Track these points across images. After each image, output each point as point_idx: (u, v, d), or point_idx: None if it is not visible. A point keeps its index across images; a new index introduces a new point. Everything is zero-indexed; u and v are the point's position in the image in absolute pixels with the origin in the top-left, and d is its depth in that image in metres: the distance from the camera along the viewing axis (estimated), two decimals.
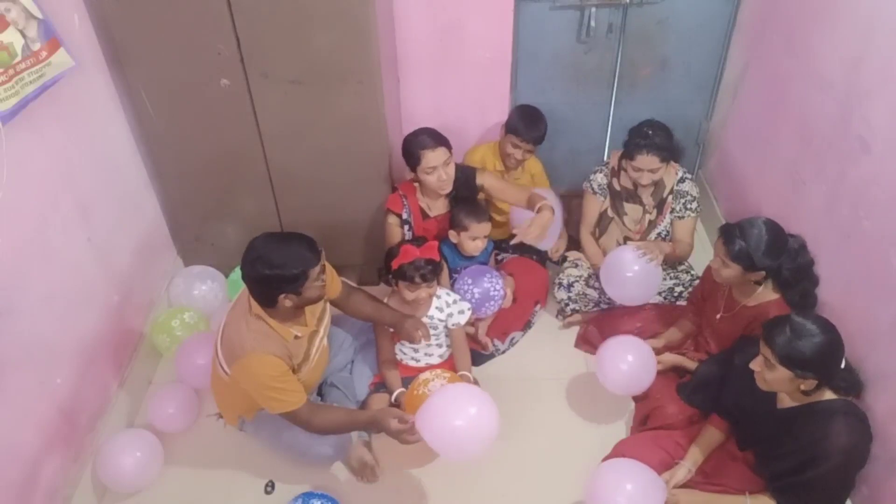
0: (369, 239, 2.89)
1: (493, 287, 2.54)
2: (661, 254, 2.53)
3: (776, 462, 1.89)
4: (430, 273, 2.28)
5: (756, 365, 1.84)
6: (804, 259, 2.19)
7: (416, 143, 2.48)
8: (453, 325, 2.41)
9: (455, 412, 1.88)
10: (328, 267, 2.22)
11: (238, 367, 1.99)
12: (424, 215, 2.65)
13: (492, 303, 2.56)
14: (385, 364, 2.42)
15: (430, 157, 2.45)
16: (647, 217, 2.73)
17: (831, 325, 1.78)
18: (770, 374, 1.80)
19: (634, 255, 2.49)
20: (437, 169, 2.46)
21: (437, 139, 2.47)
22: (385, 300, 2.41)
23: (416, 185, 2.62)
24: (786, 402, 1.90)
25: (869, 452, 1.83)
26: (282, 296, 1.93)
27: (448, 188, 2.54)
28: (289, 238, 1.98)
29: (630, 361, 2.31)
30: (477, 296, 2.52)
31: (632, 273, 2.49)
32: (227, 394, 2.21)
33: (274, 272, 1.89)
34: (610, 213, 2.78)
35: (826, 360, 1.75)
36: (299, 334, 2.07)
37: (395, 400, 2.35)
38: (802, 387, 1.78)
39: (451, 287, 2.58)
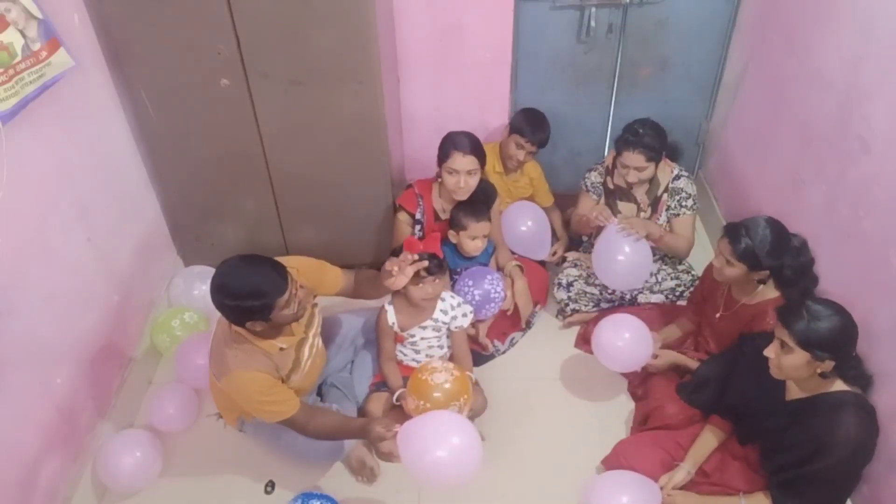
0: (369, 239, 2.89)
1: (494, 289, 2.54)
2: (644, 231, 2.51)
3: (780, 454, 1.89)
4: (435, 267, 2.21)
5: (771, 351, 1.84)
6: (806, 257, 2.20)
7: (452, 142, 2.50)
8: (456, 327, 2.41)
9: (438, 441, 1.81)
10: (323, 264, 2.20)
11: (226, 383, 1.98)
12: (437, 217, 2.65)
13: (493, 304, 2.55)
14: (386, 363, 2.42)
15: (458, 159, 2.47)
16: (642, 215, 2.73)
17: (845, 309, 1.80)
18: (787, 360, 1.80)
19: (617, 235, 2.48)
20: (459, 174, 2.48)
21: (474, 149, 2.49)
22: (386, 304, 2.39)
23: (437, 184, 2.63)
24: (794, 393, 1.90)
25: (875, 448, 1.83)
26: (249, 322, 1.90)
27: (462, 196, 2.56)
28: (256, 265, 1.88)
29: (626, 338, 2.32)
30: (478, 297, 2.51)
31: (623, 256, 2.48)
32: (226, 396, 2.20)
33: (235, 303, 1.85)
34: None
35: (844, 340, 1.77)
36: (284, 346, 2.03)
37: (397, 399, 2.34)
38: (819, 369, 1.78)
39: (452, 288, 2.58)
